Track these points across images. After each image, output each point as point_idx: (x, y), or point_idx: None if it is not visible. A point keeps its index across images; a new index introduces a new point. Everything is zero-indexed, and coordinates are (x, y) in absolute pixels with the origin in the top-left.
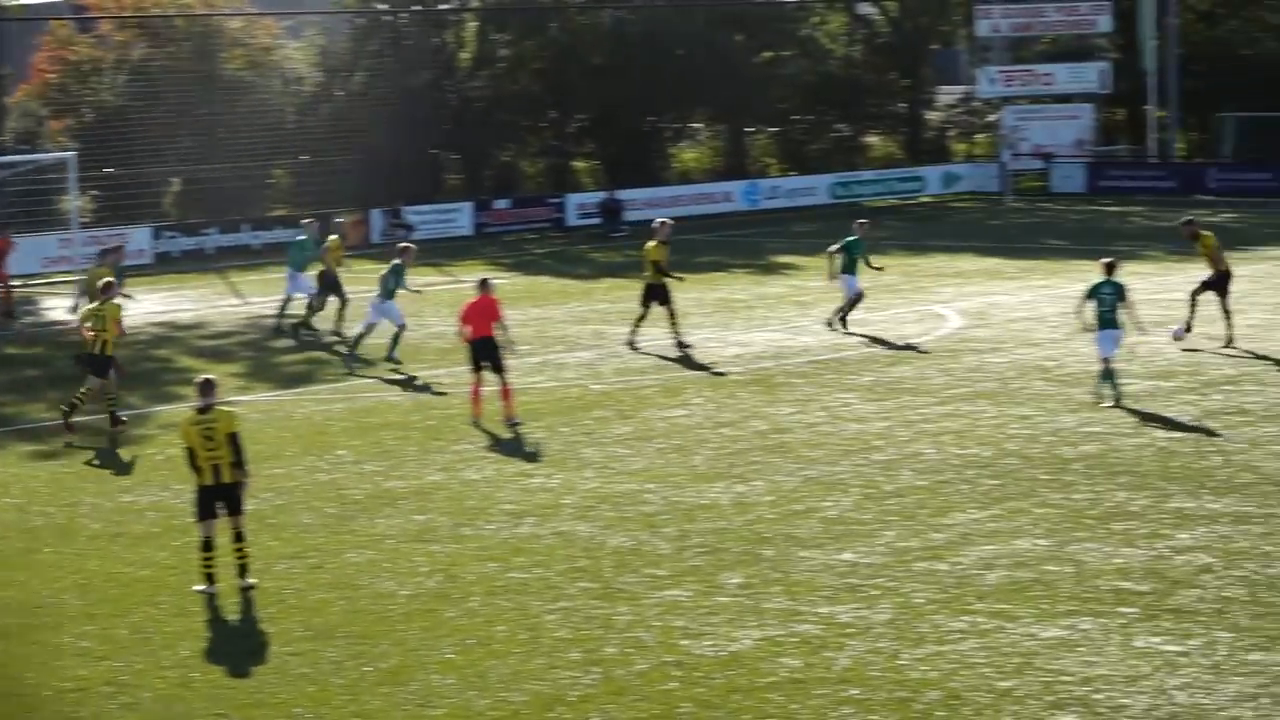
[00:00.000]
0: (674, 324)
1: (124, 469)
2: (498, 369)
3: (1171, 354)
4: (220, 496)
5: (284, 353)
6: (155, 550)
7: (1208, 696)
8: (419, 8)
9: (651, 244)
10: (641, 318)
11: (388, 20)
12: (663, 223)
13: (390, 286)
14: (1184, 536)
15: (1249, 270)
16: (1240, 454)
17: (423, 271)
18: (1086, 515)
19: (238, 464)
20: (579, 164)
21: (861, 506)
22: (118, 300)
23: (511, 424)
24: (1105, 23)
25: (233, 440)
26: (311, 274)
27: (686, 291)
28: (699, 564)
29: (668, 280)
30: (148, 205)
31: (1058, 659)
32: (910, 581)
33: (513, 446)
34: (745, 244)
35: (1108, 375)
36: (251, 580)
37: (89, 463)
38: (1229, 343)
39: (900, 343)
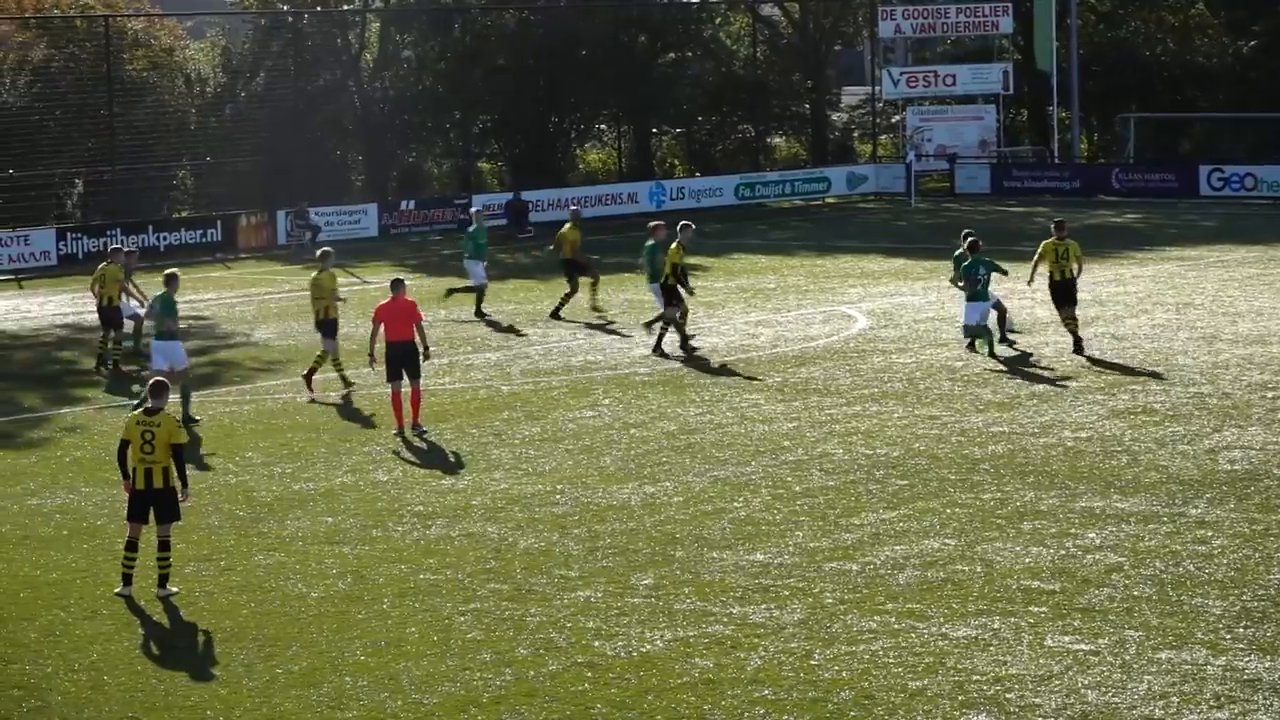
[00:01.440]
0: (679, 327)
1: (30, 472)
2: (414, 374)
3: (1077, 354)
4: (151, 502)
5: (191, 355)
6: (63, 553)
7: (1119, 695)
8: (321, 9)
9: (673, 245)
10: (682, 315)
11: (290, 21)
12: (685, 225)
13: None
14: (1092, 536)
15: (1153, 270)
16: (1147, 454)
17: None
18: (995, 515)
19: (180, 476)
20: (484, 165)
21: (771, 507)
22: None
23: (419, 432)
24: (1007, 24)
25: (174, 451)
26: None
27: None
28: (610, 565)
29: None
30: (51, 207)
31: (969, 658)
32: (821, 581)
33: (422, 448)
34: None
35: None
36: (173, 589)
37: None
38: (1078, 349)
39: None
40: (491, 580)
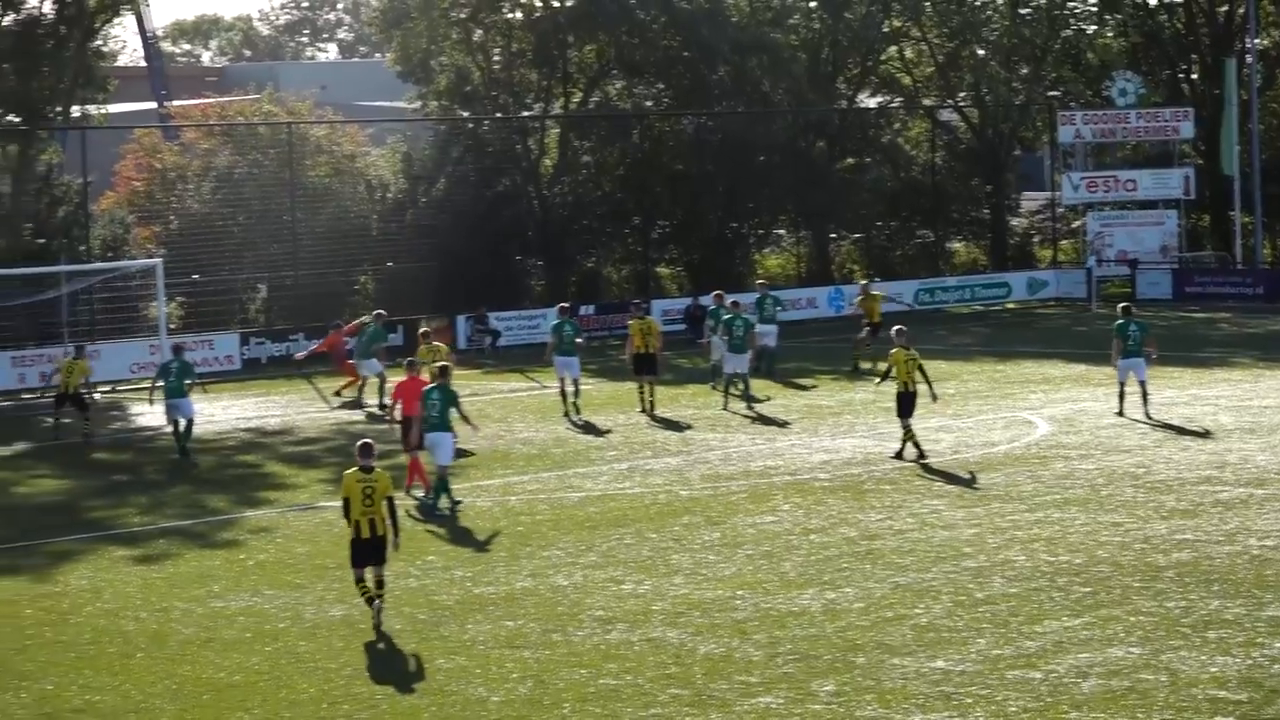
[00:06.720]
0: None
1: (215, 574)
2: (420, 445)
3: (1263, 461)
4: (370, 547)
5: None
6: (247, 656)
7: None
8: (501, 115)
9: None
10: None
11: (470, 128)
12: (899, 331)
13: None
14: None
15: None
16: None
17: (508, 377)
18: (1180, 623)
19: (392, 523)
20: (663, 270)
21: (953, 614)
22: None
23: (410, 493)
24: (1188, 129)
25: (389, 502)
26: None
27: (777, 396)
28: (790, 671)
29: None
30: (235, 311)
31: None
32: (1004, 690)
33: (602, 552)
34: (830, 350)
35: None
36: (381, 605)
37: (180, 567)
38: None
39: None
40: (672, 685)
